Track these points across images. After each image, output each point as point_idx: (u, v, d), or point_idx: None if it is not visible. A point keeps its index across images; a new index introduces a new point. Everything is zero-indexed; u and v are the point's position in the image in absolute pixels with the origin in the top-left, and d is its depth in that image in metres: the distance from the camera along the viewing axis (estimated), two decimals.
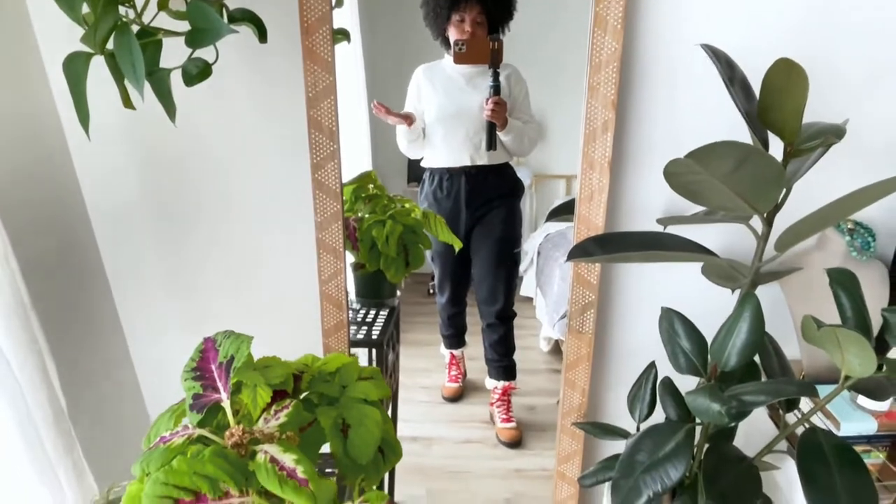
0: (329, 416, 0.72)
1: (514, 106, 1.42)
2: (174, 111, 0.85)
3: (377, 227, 1.49)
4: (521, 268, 1.91)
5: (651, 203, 1.17)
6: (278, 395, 0.72)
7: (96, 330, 1.27)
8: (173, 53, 0.84)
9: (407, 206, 1.58)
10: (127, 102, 0.88)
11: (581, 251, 0.98)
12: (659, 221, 1.14)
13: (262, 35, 0.91)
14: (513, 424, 1.90)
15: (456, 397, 1.97)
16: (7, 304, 0.82)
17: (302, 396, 0.76)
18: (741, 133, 0.94)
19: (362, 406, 0.74)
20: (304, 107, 1.07)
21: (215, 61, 0.83)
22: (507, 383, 1.88)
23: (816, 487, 0.86)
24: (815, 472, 0.87)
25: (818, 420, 1.10)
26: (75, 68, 0.78)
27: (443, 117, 1.46)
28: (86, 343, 1.23)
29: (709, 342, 0.97)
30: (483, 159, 1.49)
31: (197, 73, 0.81)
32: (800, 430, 1.01)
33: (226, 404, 0.67)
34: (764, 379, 1.02)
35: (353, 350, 1.45)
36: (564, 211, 1.19)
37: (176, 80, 0.85)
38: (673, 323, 1.00)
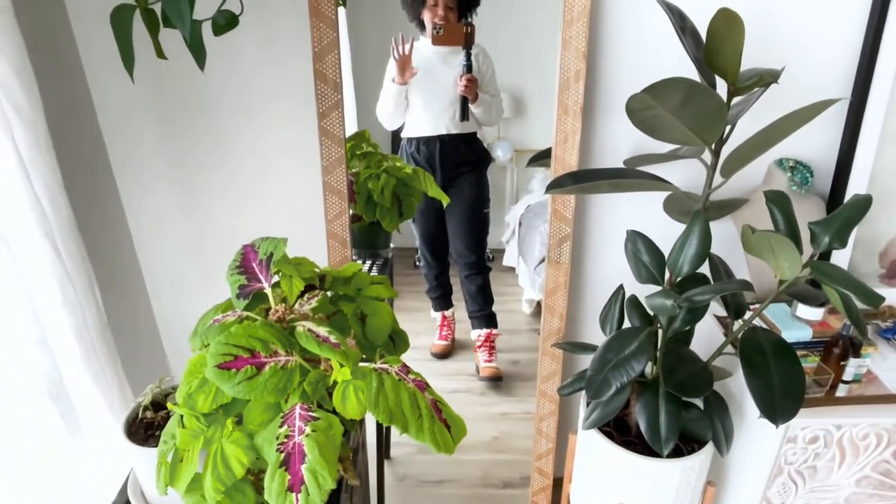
0: (349, 307, 0.86)
1: (482, 82, 1.61)
2: (204, 59, 0.98)
3: (373, 180, 1.63)
4: (503, 238, 2.08)
5: (619, 145, 1.33)
6: (308, 289, 0.86)
7: (113, 252, 1.39)
8: (201, 7, 0.96)
9: (398, 163, 1.72)
10: (160, 53, 1.01)
11: (557, 184, 1.14)
12: (625, 162, 1.30)
13: None
14: (493, 364, 2.07)
15: (445, 354, 2.14)
16: (64, 226, 0.95)
17: (326, 293, 0.91)
18: (693, 77, 1.09)
19: (376, 303, 0.89)
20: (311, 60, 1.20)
21: (241, 13, 0.96)
22: (489, 330, 2.05)
23: (755, 370, 1.03)
24: (754, 360, 1.04)
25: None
26: (121, 19, 0.90)
27: (421, 91, 1.63)
28: (105, 273, 1.35)
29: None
30: (456, 129, 1.67)
31: (225, 23, 0.94)
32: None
33: (268, 291, 0.81)
34: None
35: None
36: (544, 156, 1.34)
37: None
38: (636, 242, 1.16)
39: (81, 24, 1.25)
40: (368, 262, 1.77)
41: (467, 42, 1.52)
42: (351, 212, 1.71)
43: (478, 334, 2.05)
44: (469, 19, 1.52)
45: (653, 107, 0.99)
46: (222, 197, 1.41)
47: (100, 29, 1.16)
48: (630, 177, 1.14)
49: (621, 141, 1.32)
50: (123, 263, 1.44)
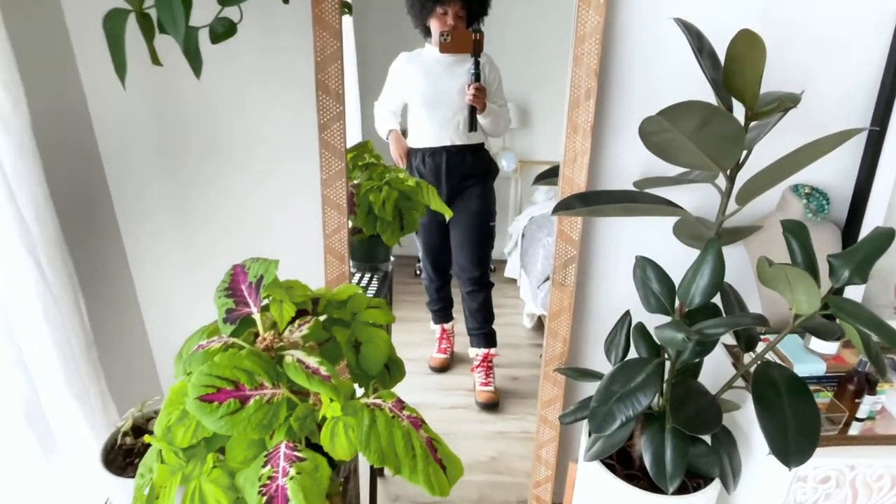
0: (343, 334, 0.82)
1: (489, 91, 1.55)
2: (200, 67, 0.94)
3: (374, 192, 1.58)
4: (506, 250, 2.04)
5: (630, 167, 1.28)
6: (299, 314, 0.82)
7: (107, 268, 1.35)
8: (199, 14, 0.92)
9: (401, 175, 1.68)
10: (155, 59, 0.96)
11: (564, 205, 1.09)
12: (635, 184, 1.25)
13: None
14: (490, 388, 2.02)
15: (443, 368, 2.09)
16: (49, 240, 0.90)
17: (319, 318, 0.86)
18: (711, 100, 1.05)
19: (371, 328, 0.85)
20: (313, 70, 1.16)
21: (240, 21, 0.92)
22: (487, 350, 2.00)
23: (768, 409, 0.98)
24: (767, 397, 0.99)
25: (770, 359, 1.23)
26: (114, 24, 0.86)
27: (425, 101, 1.58)
28: (96, 279, 1.31)
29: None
30: (462, 140, 1.61)
31: (223, 31, 0.90)
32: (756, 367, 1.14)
33: (256, 316, 0.76)
34: None
35: None
36: (551, 174, 1.30)
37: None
38: (645, 269, 1.11)
39: (78, 31, 1.22)
40: (368, 276, 1.72)
41: (476, 50, 1.46)
42: (350, 224, 1.68)
43: (475, 353, 2.00)
44: (477, 26, 1.47)
45: (668, 130, 0.94)
46: (219, 209, 1.36)
47: (94, 34, 1.12)
48: (641, 201, 1.10)
49: (631, 162, 1.28)
50: (116, 277, 1.39)
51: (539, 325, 2.04)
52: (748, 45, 0.93)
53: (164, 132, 1.28)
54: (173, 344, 1.50)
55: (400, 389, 2.09)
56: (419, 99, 1.59)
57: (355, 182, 1.62)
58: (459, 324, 2.00)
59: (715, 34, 1.05)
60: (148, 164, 1.31)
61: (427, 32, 1.49)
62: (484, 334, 1.99)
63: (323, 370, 0.70)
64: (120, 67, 0.88)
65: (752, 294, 1.37)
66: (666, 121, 0.92)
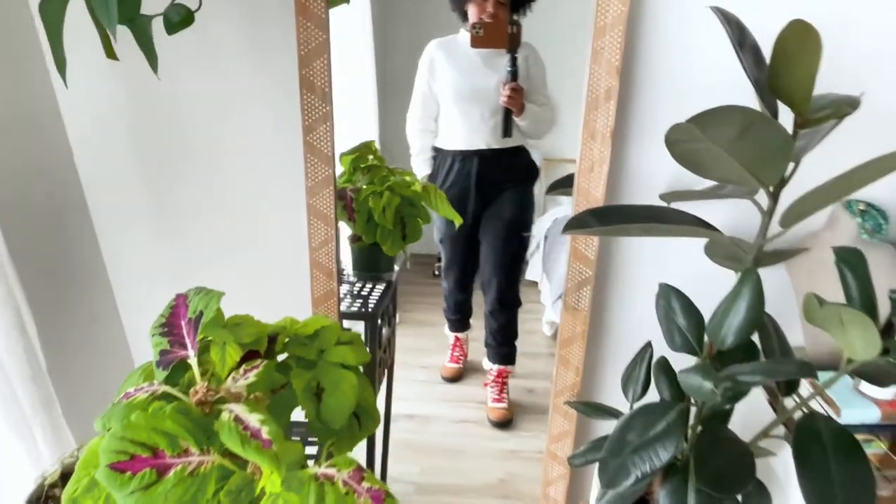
0: (303, 378, 0.69)
1: (531, 88, 1.37)
2: (156, 61, 0.82)
3: (374, 197, 1.46)
4: (528, 252, 1.88)
5: (654, 177, 1.13)
6: (251, 356, 0.70)
7: (84, 286, 1.25)
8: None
9: (407, 178, 1.54)
10: (109, 52, 0.85)
11: (578, 223, 0.94)
12: (661, 197, 1.10)
13: None
14: (503, 405, 1.88)
15: (455, 378, 1.95)
16: None
17: (278, 358, 0.74)
18: (752, 103, 0.89)
19: (339, 370, 0.72)
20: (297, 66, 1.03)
21: (198, 8, 0.80)
22: (503, 367, 1.86)
23: (811, 472, 0.82)
24: (811, 457, 0.84)
25: (818, 406, 1.07)
26: (52, 11, 0.75)
27: (458, 97, 1.41)
28: (73, 300, 1.21)
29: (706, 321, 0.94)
30: (498, 143, 1.44)
31: (179, 20, 0.78)
32: (799, 417, 0.98)
33: (192, 361, 0.64)
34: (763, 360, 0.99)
35: (348, 323, 1.43)
36: (565, 183, 1.15)
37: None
38: (670, 300, 0.96)
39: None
40: (369, 286, 1.60)
41: (512, 44, 1.27)
42: (350, 231, 1.55)
43: (490, 368, 1.86)
44: (518, 17, 1.28)
45: (699, 139, 0.79)
46: (199, 217, 1.25)
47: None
48: (667, 219, 0.95)
49: (657, 171, 1.13)
50: (95, 288, 1.29)
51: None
52: (801, 39, 0.77)
53: (139, 134, 1.17)
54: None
55: (410, 400, 1.99)
56: (450, 93, 1.41)
57: (356, 186, 1.50)
58: (476, 330, 1.87)
59: (758, 27, 0.89)
60: (125, 170, 1.21)
61: (465, 16, 1.31)
62: (503, 353, 1.85)
63: (265, 431, 0.57)
64: (59, 62, 0.77)
65: (794, 322, 1.21)
66: (697, 129, 0.76)
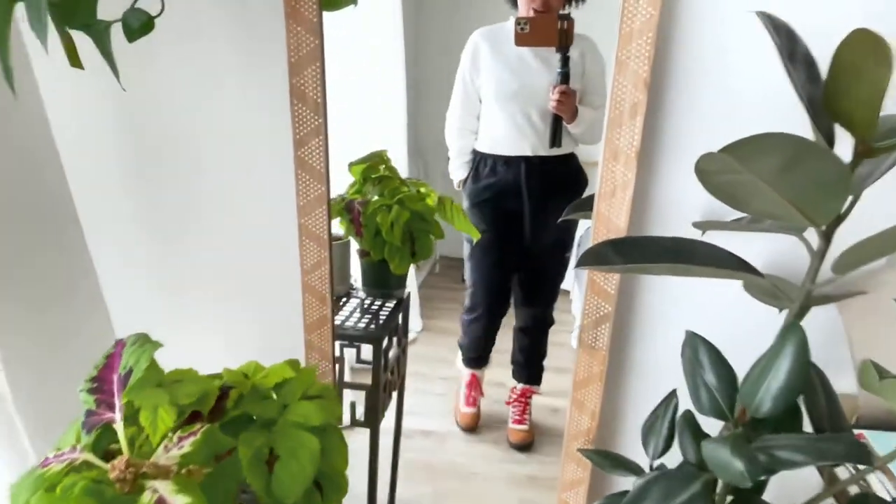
0: (252, 443, 0.59)
1: (586, 88, 1.22)
2: (117, 70, 0.73)
3: (382, 212, 1.36)
4: None
5: (686, 202, 0.99)
6: (194, 417, 0.61)
7: (75, 290, 1.19)
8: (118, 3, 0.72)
9: (422, 190, 1.44)
10: (73, 60, 0.77)
11: (596, 258, 0.82)
12: (695, 225, 0.96)
13: None
14: (525, 427, 1.74)
15: (473, 426, 1.80)
16: None
17: (232, 415, 0.64)
18: (802, 124, 0.76)
19: (299, 434, 0.62)
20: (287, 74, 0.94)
21: (160, 13, 0.71)
22: (528, 387, 1.73)
23: None
24: None
25: (876, 480, 0.92)
26: None
27: (503, 95, 1.27)
28: (64, 298, 1.15)
29: (740, 378, 0.80)
30: (546, 149, 1.30)
31: (138, 26, 0.69)
32: (853, 490, 0.84)
33: (118, 426, 0.56)
34: (806, 422, 0.85)
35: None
36: (585, 206, 1.02)
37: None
38: (697, 351, 0.83)
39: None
40: (378, 303, 1.50)
41: (563, 42, 1.10)
42: (357, 246, 1.46)
43: (514, 385, 1.74)
44: (569, 10, 1.13)
45: (737, 171, 0.66)
46: (180, 237, 1.17)
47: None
48: (697, 256, 0.82)
49: (687, 196, 0.99)
50: (87, 299, 1.23)
51: None
52: (866, 51, 0.63)
53: (125, 144, 1.10)
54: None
55: (425, 415, 1.88)
56: (494, 90, 1.26)
57: (365, 199, 1.41)
58: (497, 368, 1.73)
59: (812, 37, 0.75)
60: (114, 180, 1.13)
61: (515, 2, 1.16)
62: (530, 372, 1.72)
63: None
64: (6, 69, 0.69)
65: (845, 367, 1.06)
66: (735, 160, 0.64)
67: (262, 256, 1.15)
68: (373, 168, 1.46)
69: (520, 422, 1.76)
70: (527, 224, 1.41)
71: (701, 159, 0.66)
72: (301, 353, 1.12)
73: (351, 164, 1.44)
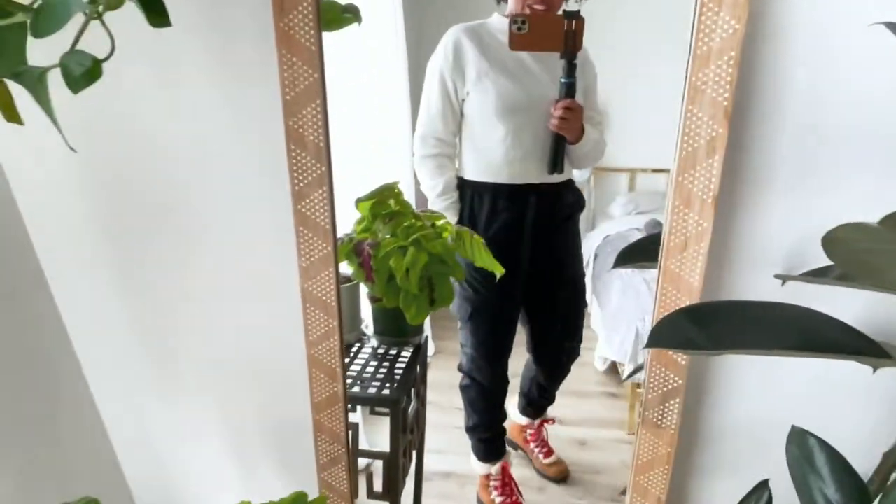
0: None
1: (585, 102, 1.04)
2: (58, 125, 0.56)
3: (396, 255, 1.19)
4: None
5: (768, 250, 0.82)
6: None
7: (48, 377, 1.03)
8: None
9: (438, 223, 1.26)
10: (10, 114, 0.60)
11: (675, 339, 0.64)
12: (778, 277, 0.79)
13: (156, 15, 0.56)
14: (556, 457, 1.54)
15: None
16: None
17: None
18: None
19: None
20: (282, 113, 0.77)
21: (110, 55, 0.54)
22: (542, 419, 1.56)
23: None
24: None
25: None
26: None
27: (507, 110, 1.04)
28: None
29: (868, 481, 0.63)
30: (549, 175, 1.08)
31: (82, 73, 0.52)
32: None
33: None
34: None
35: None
36: (640, 256, 0.85)
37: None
38: (811, 452, 0.66)
39: None
40: (394, 352, 1.33)
41: (570, 46, 0.90)
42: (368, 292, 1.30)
43: (528, 422, 1.55)
44: (578, 6, 0.91)
45: (885, 241, 0.50)
46: (170, 306, 0.99)
47: None
48: (807, 326, 0.64)
49: (772, 246, 0.82)
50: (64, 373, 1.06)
51: (613, 368, 1.57)
52: None
53: (100, 196, 0.93)
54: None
55: (447, 453, 1.66)
56: (495, 103, 1.02)
57: (377, 238, 1.24)
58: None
59: None
60: (84, 247, 0.96)
61: None
62: (542, 406, 1.55)
63: None
64: None
65: None
66: (890, 231, 0.47)
67: (265, 326, 0.97)
68: (382, 204, 1.29)
69: (549, 454, 1.56)
70: (525, 266, 1.22)
71: (837, 229, 0.50)
72: (309, 435, 0.95)
73: (358, 201, 1.27)
